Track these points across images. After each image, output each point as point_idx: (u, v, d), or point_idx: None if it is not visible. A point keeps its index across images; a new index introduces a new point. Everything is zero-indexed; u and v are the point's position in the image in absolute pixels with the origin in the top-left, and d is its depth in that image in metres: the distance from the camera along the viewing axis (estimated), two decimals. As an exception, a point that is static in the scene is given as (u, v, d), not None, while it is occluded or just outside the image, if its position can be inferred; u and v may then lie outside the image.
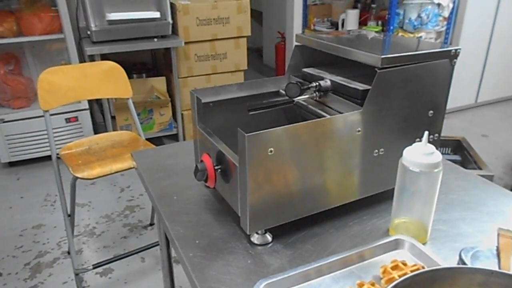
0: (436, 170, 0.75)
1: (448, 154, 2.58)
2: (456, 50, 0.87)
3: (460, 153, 2.54)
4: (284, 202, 0.80)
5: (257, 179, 0.75)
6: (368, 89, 0.82)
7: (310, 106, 0.95)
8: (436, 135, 0.94)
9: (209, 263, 0.78)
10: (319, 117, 0.87)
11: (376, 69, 0.80)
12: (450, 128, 3.42)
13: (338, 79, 0.92)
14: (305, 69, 1.01)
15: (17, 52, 2.84)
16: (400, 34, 3.12)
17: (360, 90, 0.85)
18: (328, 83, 0.92)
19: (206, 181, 0.89)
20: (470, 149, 2.47)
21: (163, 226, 0.93)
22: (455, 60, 0.87)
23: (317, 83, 0.92)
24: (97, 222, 2.30)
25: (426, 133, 0.75)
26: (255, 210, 0.77)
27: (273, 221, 0.81)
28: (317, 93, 0.93)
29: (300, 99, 0.95)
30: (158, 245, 1.91)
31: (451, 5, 3.20)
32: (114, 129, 2.84)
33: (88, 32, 2.62)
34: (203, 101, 0.93)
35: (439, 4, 3.13)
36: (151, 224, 2.26)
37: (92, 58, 2.56)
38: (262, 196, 0.77)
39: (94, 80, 1.88)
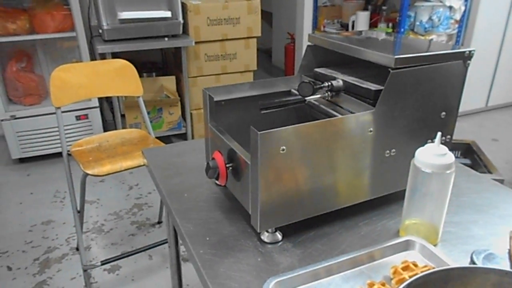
0: (448, 172, 0.75)
1: (458, 157, 2.56)
2: (470, 51, 0.86)
3: (470, 157, 2.52)
4: (295, 201, 0.80)
5: (268, 177, 0.75)
6: (381, 90, 0.82)
7: (322, 106, 0.95)
8: (448, 137, 0.93)
9: (219, 260, 0.78)
10: (331, 117, 0.87)
11: (389, 69, 0.80)
12: (460, 132, 3.39)
13: (350, 79, 0.92)
14: (317, 69, 1.01)
15: (29, 49, 2.88)
16: (411, 36, 3.10)
17: (372, 90, 0.85)
18: (341, 83, 0.92)
19: (217, 178, 0.89)
20: (480, 153, 2.44)
21: (173, 223, 0.94)
22: (468, 61, 0.87)
23: (330, 83, 0.92)
24: (105, 219, 2.31)
25: (439, 134, 0.74)
26: (266, 208, 0.77)
27: (283, 220, 0.81)
28: (329, 93, 0.93)
29: (312, 98, 0.95)
30: (165, 243, 1.92)
31: (463, 8, 3.18)
32: (124, 127, 2.86)
33: (100, 31, 2.65)
34: (215, 99, 0.93)
35: (450, 7, 3.11)
36: (159, 222, 2.27)
37: (103, 57, 2.58)
38: (273, 194, 0.77)
39: (105, 78, 1.90)
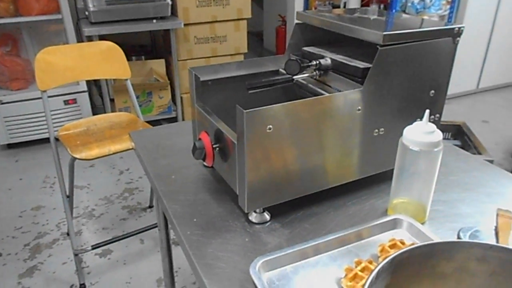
0: (436, 149, 0.74)
1: (448, 139, 2.57)
2: (459, 28, 0.85)
3: (460, 138, 2.53)
4: (283, 180, 0.79)
5: (255, 157, 0.74)
6: (369, 67, 0.80)
7: (310, 85, 0.94)
8: (437, 115, 0.93)
9: (207, 241, 0.78)
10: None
11: (377, 46, 0.78)
12: (451, 114, 3.40)
13: (339, 57, 0.91)
14: (305, 48, 1.00)
15: (14, 33, 2.81)
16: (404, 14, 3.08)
17: (361, 68, 0.83)
18: (329, 61, 0.91)
19: (204, 159, 0.88)
20: (471, 134, 2.46)
21: (161, 206, 0.93)
22: (458, 38, 0.86)
23: (318, 61, 0.90)
24: (96, 204, 2.30)
25: (427, 111, 0.74)
26: (253, 188, 0.77)
27: (271, 200, 0.81)
28: (317, 71, 0.92)
29: (300, 77, 0.93)
30: (157, 226, 1.92)
31: (454, -11, 3.15)
32: (113, 112, 2.83)
33: (86, 13, 2.59)
34: (201, 79, 0.92)
35: (442, -12, 3.08)
36: (150, 207, 2.26)
37: (90, 39, 2.53)
38: (260, 174, 0.76)
39: (92, 61, 1.86)
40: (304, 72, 0.92)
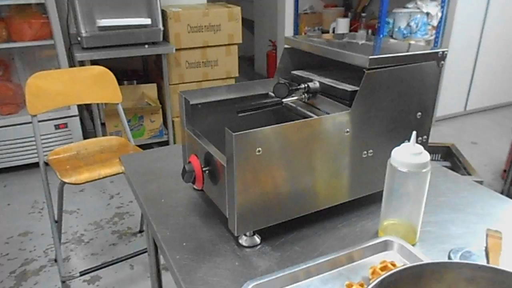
0: (424, 170, 0.75)
1: (438, 160, 2.59)
2: (443, 52, 0.87)
3: (450, 159, 2.55)
4: (273, 203, 0.79)
5: (244, 180, 0.74)
6: (357, 90, 0.82)
7: (299, 108, 0.95)
8: (425, 137, 0.94)
9: (196, 265, 0.77)
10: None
11: (364, 69, 0.80)
12: (440, 136, 3.44)
13: (327, 80, 0.92)
14: (294, 72, 1.01)
15: (6, 58, 2.82)
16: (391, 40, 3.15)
17: (349, 91, 0.85)
18: (317, 84, 0.92)
19: (194, 182, 0.88)
20: (460, 156, 2.48)
21: (150, 230, 0.92)
22: (442, 62, 0.88)
23: (306, 85, 0.92)
24: (85, 229, 2.26)
25: (414, 133, 0.75)
26: (243, 211, 0.76)
27: (261, 223, 0.80)
28: (306, 94, 0.93)
29: (289, 100, 0.94)
30: (147, 251, 1.89)
31: (439, 14, 3.25)
32: (104, 136, 2.82)
33: (79, 38, 2.61)
34: (191, 102, 0.92)
35: (428, 13, 3.17)
36: (141, 231, 2.23)
37: (82, 64, 2.54)
38: (250, 197, 0.76)
39: (83, 85, 1.87)
40: (293, 95, 0.93)
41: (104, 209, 2.44)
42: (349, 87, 0.86)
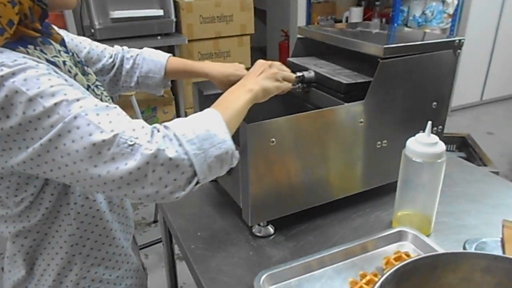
0: (439, 161, 0.75)
1: (453, 151, 2.56)
2: (460, 40, 0.86)
3: (465, 150, 2.52)
4: (286, 193, 0.80)
5: (258, 170, 0.74)
6: (353, 83, 0.80)
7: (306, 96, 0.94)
8: (440, 127, 0.93)
9: (211, 254, 0.78)
10: (316, 108, 0.85)
11: (378, 59, 0.79)
12: (455, 126, 3.39)
13: (323, 71, 0.89)
14: (290, 59, 0.99)
15: (21, 50, 2.85)
16: (405, 28, 3.10)
17: (344, 83, 0.82)
18: (312, 74, 0.90)
19: (208, 173, 0.88)
20: (475, 146, 2.44)
21: (166, 220, 0.93)
22: (459, 50, 0.87)
23: (301, 74, 0.89)
24: (101, 219, 2.30)
25: (430, 123, 0.74)
26: (257, 201, 0.77)
27: (275, 213, 0.81)
28: (300, 84, 0.90)
29: None
30: (161, 241, 1.92)
31: (455, 2, 3.18)
32: (118, 127, 2.84)
33: (92, 30, 2.63)
34: (204, 93, 0.93)
35: (443, 1, 3.11)
36: (155, 221, 2.26)
37: (96, 56, 2.56)
38: (264, 187, 0.76)
39: (97, 77, 1.88)
40: None
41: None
42: (345, 79, 0.84)
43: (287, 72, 0.81)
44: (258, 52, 5.42)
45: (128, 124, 0.56)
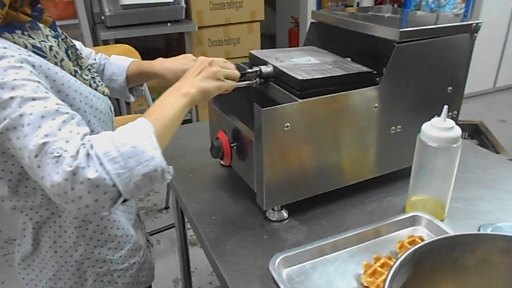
0: (455, 146, 0.74)
1: (465, 138, 2.54)
2: (477, 24, 0.85)
3: (478, 137, 2.49)
4: (300, 178, 0.80)
5: (273, 155, 0.75)
6: (309, 79, 0.75)
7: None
8: (455, 112, 0.92)
9: (225, 238, 0.78)
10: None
11: (394, 43, 0.78)
12: (468, 113, 3.35)
13: (282, 65, 0.84)
14: (252, 51, 0.94)
15: (33, 38, 2.86)
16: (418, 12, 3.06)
17: (298, 79, 0.76)
18: (270, 69, 0.84)
19: (222, 158, 0.89)
20: (488, 134, 2.42)
21: (179, 204, 0.94)
22: (475, 34, 0.85)
23: (258, 69, 0.84)
24: (113, 205, 2.33)
25: (446, 107, 0.73)
26: (271, 186, 0.77)
27: (289, 198, 0.81)
28: (257, 79, 0.84)
29: (240, 85, 0.81)
30: (173, 227, 1.94)
31: (469, -13, 3.12)
32: (129, 114, 2.86)
33: (102, 17, 2.63)
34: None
35: (457, -14, 3.05)
36: (166, 208, 2.28)
37: (106, 43, 2.56)
38: (278, 172, 0.77)
39: (109, 64, 1.89)
40: (243, 78, 0.82)
41: (130, 186, 2.50)
42: (299, 75, 0.77)
43: (230, 69, 0.75)
44: (268, 39, 5.38)
45: (66, 134, 0.54)
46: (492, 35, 3.50)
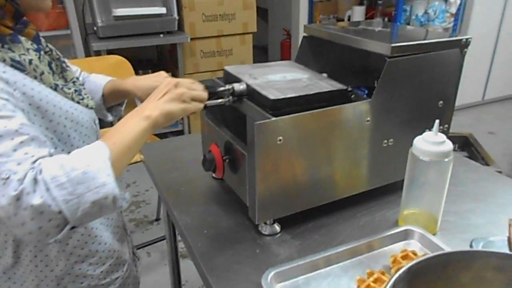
0: (446, 160, 0.75)
1: (455, 150, 2.56)
2: (467, 39, 0.86)
3: (468, 149, 2.52)
4: (293, 192, 0.80)
5: (265, 168, 0.74)
6: (281, 99, 0.74)
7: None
8: (446, 126, 0.93)
9: (217, 252, 0.78)
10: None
11: (385, 58, 0.79)
12: (457, 125, 3.38)
13: (256, 82, 0.82)
14: (226, 67, 0.93)
15: (23, 48, 2.85)
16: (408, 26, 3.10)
17: (270, 99, 0.74)
18: (243, 86, 0.82)
19: (214, 171, 0.88)
20: (478, 146, 2.45)
21: (171, 217, 0.93)
22: (465, 49, 0.87)
23: (231, 87, 0.81)
24: (103, 217, 2.30)
25: (437, 121, 0.74)
26: (264, 200, 0.77)
27: (281, 211, 0.81)
28: (231, 97, 0.82)
29: (212, 103, 0.79)
30: (164, 239, 1.92)
31: (458, 1, 3.18)
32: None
33: (95, 28, 2.63)
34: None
35: (446, 0, 3.11)
36: (157, 219, 2.26)
37: (98, 54, 2.56)
38: (270, 185, 0.76)
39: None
40: (216, 97, 0.80)
41: (121, 198, 2.47)
42: (272, 95, 0.75)
43: (197, 91, 0.72)
44: (261, 50, 5.42)
45: (19, 156, 0.53)
46: (480, 48, 3.57)
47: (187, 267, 1.86)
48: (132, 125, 0.64)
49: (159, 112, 0.66)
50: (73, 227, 0.55)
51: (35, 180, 0.52)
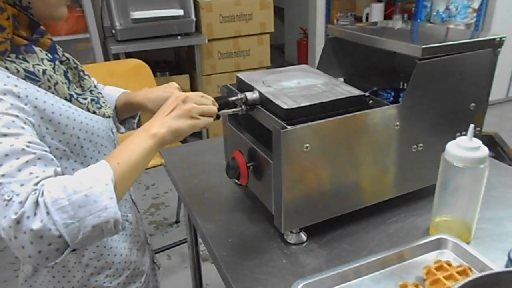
0: (482, 166, 0.71)
1: (480, 150, 2.50)
2: (500, 38, 0.82)
3: (493, 149, 2.44)
4: (319, 200, 0.77)
5: (292, 177, 0.72)
6: (295, 108, 0.71)
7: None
8: (478, 129, 0.89)
9: (242, 262, 0.76)
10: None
11: (416, 60, 0.76)
12: (480, 123, 3.30)
13: (268, 91, 0.79)
14: (239, 75, 0.89)
15: (44, 52, 2.88)
16: (428, 24, 3.03)
17: (284, 109, 0.71)
18: (256, 95, 0.79)
19: (238, 178, 0.87)
20: (504, 145, 2.37)
21: (194, 224, 0.92)
22: (499, 49, 0.83)
23: (243, 96, 0.79)
24: (123, 219, 2.31)
25: (472, 126, 0.70)
26: (290, 208, 0.75)
27: (308, 220, 0.79)
28: (243, 106, 0.80)
29: (225, 112, 0.79)
30: (184, 242, 1.91)
31: (481, -4, 3.09)
32: (139, 128, 2.85)
33: (113, 31, 2.64)
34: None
35: (468, -5, 3.03)
36: (177, 222, 2.26)
37: (117, 57, 2.57)
38: (297, 194, 0.74)
39: (120, 78, 1.89)
40: (228, 106, 0.79)
41: (140, 200, 2.48)
42: (287, 104, 0.72)
43: (206, 106, 0.69)
44: (277, 50, 5.39)
45: (24, 177, 0.53)
46: (504, 44, 3.46)
47: (208, 270, 1.86)
48: (139, 143, 0.63)
49: (166, 130, 0.64)
50: (74, 250, 0.55)
51: (36, 203, 0.52)
